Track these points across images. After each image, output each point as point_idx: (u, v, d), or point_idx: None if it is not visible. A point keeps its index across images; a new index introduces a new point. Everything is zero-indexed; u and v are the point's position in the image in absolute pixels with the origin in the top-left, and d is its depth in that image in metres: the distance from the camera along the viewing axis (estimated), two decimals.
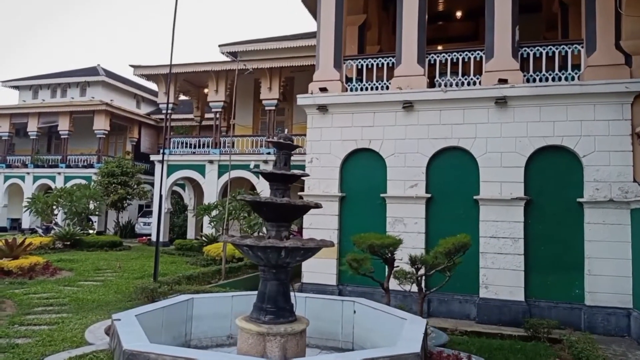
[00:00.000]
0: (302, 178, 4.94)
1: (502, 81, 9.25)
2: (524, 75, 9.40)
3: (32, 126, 27.58)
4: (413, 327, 4.49)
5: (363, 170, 10.13)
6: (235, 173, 20.21)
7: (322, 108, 10.24)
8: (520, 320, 8.37)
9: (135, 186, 24.56)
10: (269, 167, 19.41)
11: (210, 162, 20.22)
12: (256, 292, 6.06)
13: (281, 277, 4.59)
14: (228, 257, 12.22)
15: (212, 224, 17.39)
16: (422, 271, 6.83)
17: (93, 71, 31.47)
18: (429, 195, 9.54)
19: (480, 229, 9.13)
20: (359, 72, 10.67)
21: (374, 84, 10.31)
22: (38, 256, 12.03)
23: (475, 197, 9.26)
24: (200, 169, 20.53)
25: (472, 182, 9.37)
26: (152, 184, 28.20)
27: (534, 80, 9.42)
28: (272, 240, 4.30)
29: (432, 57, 10.23)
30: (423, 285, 7.02)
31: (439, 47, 13.50)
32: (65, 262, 12.89)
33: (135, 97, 33.38)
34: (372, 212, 9.94)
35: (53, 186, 25.63)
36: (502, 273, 8.90)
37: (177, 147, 21.43)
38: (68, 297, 8.33)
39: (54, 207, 19.14)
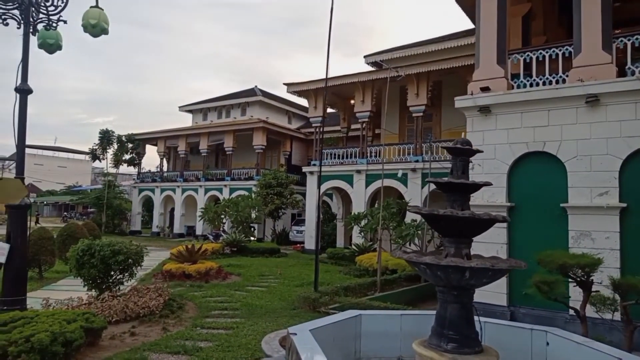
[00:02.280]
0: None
1: None
2: None
3: (203, 144, 31.27)
4: None
5: (536, 176, 8.92)
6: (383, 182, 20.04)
7: (484, 109, 9.34)
8: None
9: (289, 196, 26.03)
10: (416, 175, 18.76)
11: (358, 171, 20.36)
12: (425, 312, 5.57)
13: (464, 300, 4.06)
14: (381, 269, 11.94)
15: (361, 233, 17.41)
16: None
17: (251, 92, 34.55)
18: (623, 205, 7.93)
19: None
20: (527, 66, 9.51)
21: (547, 78, 9.06)
22: (211, 261, 13.28)
23: None
24: (348, 179, 20.81)
25: None
26: (303, 194, 29.65)
27: None
28: (454, 259, 3.80)
29: (621, 40, 8.60)
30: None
31: (616, 32, 11.48)
32: (234, 267, 14.02)
33: (287, 113, 35.67)
34: (548, 224, 8.67)
35: (220, 197, 28.61)
36: None
37: (326, 158, 22.09)
38: (239, 301, 8.88)
39: (222, 216, 21.22)
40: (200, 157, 32.61)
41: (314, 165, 22.00)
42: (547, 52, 9.21)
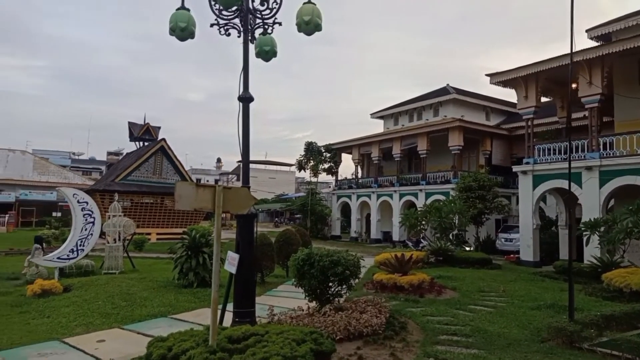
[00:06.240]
0: None
1: None
2: None
3: (396, 149, 30.78)
4: None
5: None
6: (623, 180, 16.11)
7: None
8: None
9: (493, 200, 23.39)
10: None
11: (588, 168, 16.80)
12: None
13: None
14: None
15: (602, 244, 14.06)
16: None
17: (444, 91, 32.73)
18: None
19: None
20: None
21: None
22: (421, 272, 12.18)
23: None
24: (575, 178, 17.32)
25: None
26: (508, 197, 26.48)
27: None
28: None
29: None
30: None
31: None
32: (445, 279, 12.67)
33: (484, 109, 32.70)
34: None
35: (416, 202, 27.57)
36: None
37: (541, 155, 18.98)
38: (468, 325, 7.52)
39: (423, 222, 20.07)
40: (393, 162, 32.22)
41: (527, 163, 19.11)
42: None
